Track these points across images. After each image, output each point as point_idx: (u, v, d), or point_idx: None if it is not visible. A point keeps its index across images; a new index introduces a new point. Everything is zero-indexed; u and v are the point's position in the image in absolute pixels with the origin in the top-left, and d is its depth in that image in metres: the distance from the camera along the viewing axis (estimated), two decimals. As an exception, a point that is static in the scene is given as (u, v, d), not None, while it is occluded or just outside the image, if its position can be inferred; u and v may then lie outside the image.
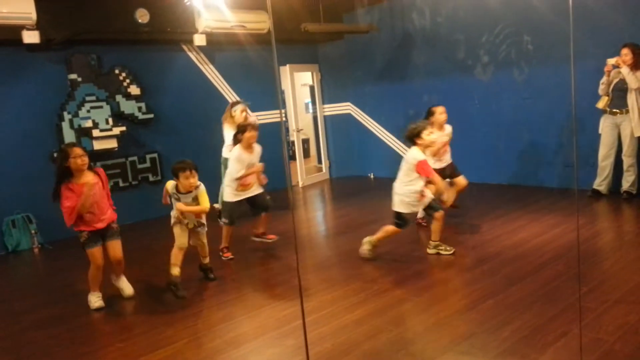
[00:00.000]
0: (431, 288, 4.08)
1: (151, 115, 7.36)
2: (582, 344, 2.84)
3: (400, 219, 4.66)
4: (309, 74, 9.92)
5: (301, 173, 9.29)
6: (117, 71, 7.04)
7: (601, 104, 6.05)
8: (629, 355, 2.77)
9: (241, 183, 5.07)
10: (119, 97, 7.04)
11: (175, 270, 4.15)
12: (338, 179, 9.63)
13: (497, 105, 7.42)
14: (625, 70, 5.73)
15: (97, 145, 6.69)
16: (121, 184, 7.12)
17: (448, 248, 4.71)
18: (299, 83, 10.33)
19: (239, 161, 5.01)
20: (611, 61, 5.85)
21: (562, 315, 3.28)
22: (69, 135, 6.63)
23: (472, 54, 7.56)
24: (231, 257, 5.19)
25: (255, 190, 5.18)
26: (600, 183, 6.21)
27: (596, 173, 6.24)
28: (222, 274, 4.72)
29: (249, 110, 6.59)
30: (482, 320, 3.38)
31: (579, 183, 6.59)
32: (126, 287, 4.32)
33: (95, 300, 4.18)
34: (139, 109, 7.24)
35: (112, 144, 6.88)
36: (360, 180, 9.17)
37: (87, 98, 6.74)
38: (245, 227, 5.58)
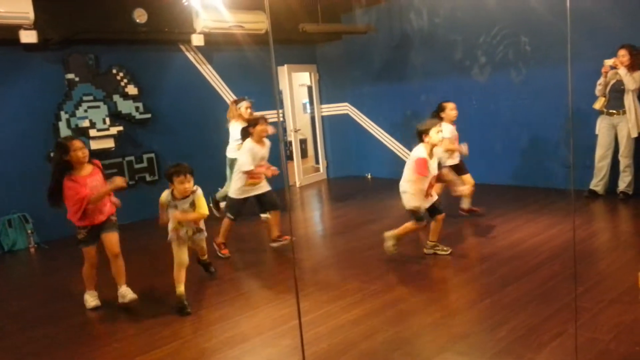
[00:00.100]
0: (428, 288, 4.08)
1: (148, 115, 7.35)
2: (578, 343, 2.84)
3: (417, 213, 4.56)
4: (306, 74, 9.92)
5: (298, 173, 9.30)
6: (114, 71, 7.03)
7: (598, 104, 6.07)
8: (624, 355, 2.78)
9: (251, 177, 5.00)
10: (116, 97, 7.03)
11: (180, 288, 3.97)
12: (335, 179, 9.64)
13: (494, 105, 7.43)
14: (622, 72, 5.74)
15: (94, 145, 6.68)
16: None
17: (445, 248, 4.72)
18: (296, 83, 10.31)
19: (251, 154, 4.96)
20: (608, 62, 5.86)
21: (557, 315, 3.29)
22: (66, 135, 6.62)
23: (469, 55, 7.57)
24: (228, 255, 5.18)
25: (263, 187, 5.14)
26: (597, 183, 6.23)
27: (593, 174, 6.26)
28: (218, 274, 4.72)
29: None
30: (478, 320, 3.39)
31: (575, 183, 6.61)
32: (127, 292, 4.06)
33: (92, 299, 4.17)
34: (137, 108, 7.23)
35: (109, 143, 6.88)
36: (357, 181, 9.18)
37: (85, 98, 6.73)
38: (244, 225, 5.56)
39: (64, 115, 6.61)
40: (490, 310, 3.51)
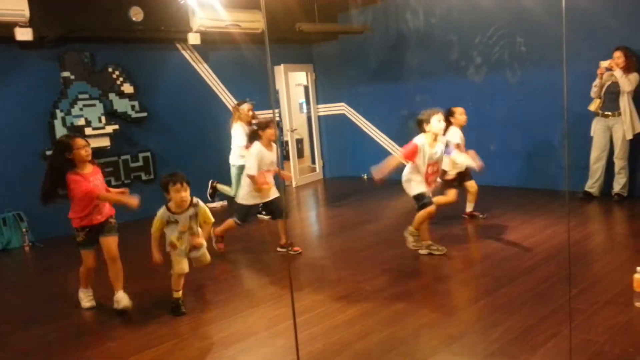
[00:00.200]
0: (423, 288, 4.09)
1: (144, 114, 7.33)
2: (572, 345, 2.85)
3: (423, 199, 4.52)
4: (303, 73, 9.92)
5: (295, 173, 9.29)
6: (110, 69, 7.01)
7: (593, 106, 6.08)
8: (618, 356, 2.79)
9: (261, 183, 4.91)
10: (112, 95, 7.01)
11: (178, 294, 3.93)
12: (331, 179, 9.64)
13: (490, 106, 7.44)
14: (618, 73, 5.76)
15: (90, 144, 6.65)
16: (113, 183, 7.08)
17: (440, 248, 4.72)
18: (293, 83, 10.32)
19: (258, 158, 4.87)
20: (604, 64, 5.88)
21: (552, 317, 3.30)
22: (61, 133, 6.57)
23: (465, 55, 7.58)
24: (222, 249, 5.19)
25: (272, 194, 5.05)
26: (592, 185, 6.24)
27: (588, 175, 6.28)
28: (213, 275, 4.71)
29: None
30: (472, 321, 3.40)
31: (570, 185, 6.62)
32: (123, 298, 3.98)
33: (86, 299, 4.15)
34: (132, 107, 7.21)
35: (105, 142, 6.86)
36: (353, 181, 9.18)
37: (80, 96, 6.71)
38: (243, 228, 5.52)
39: (59, 114, 6.59)
40: (485, 311, 3.51)
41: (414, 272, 4.44)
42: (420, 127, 4.55)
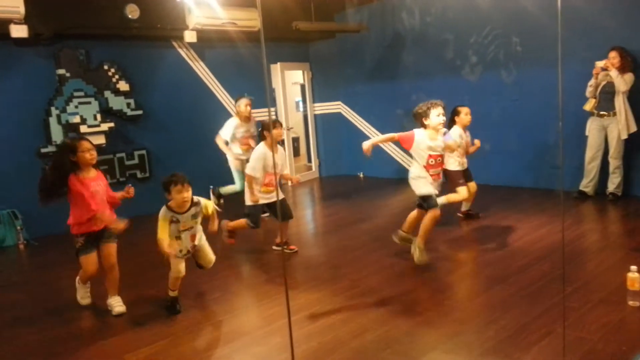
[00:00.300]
0: (417, 287, 4.10)
1: (140, 112, 7.31)
2: (566, 343, 2.87)
3: (429, 200, 4.42)
4: (299, 72, 9.90)
5: (291, 171, 9.28)
6: (106, 67, 6.99)
7: (588, 106, 6.10)
8: (611, 354, 2.81)
9: (265, 184, 4.87)
10: (107, 93, 6.99)
11: (174, 294, 3.92)
12: (328, 178, 9.64)
13: (485, 106, 7.44)
14: (613, 73, 5.78)
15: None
16: (109, 180, 7.05)
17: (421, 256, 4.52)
18: (289, 81, 10.30)
19: (262, 160, 4.76)
20: (600, 64, 5.90)
21: (546, 315, 3.32)
22: (56, 131, 6.57)
23: (460, 55, 7.59)
24: (232, 242, 5.22)
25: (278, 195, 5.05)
26: (587, 185, 6.27)
27: (582, 175, 6.30)
28: (208, 272, 4.70)
29: None
30: (467, 319, 3.41)
31: (565, 184, 6.64)
32: (116, 304, 3.95)
33: (84, 296, 4.14)
34: (128, 105, 7.19)
35: (100, 140, 6.82)
36: (349, 180, 9.18)
37: (75, 93, 6.68)
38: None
39: (54, 111, 6.56)
40: (479, 309, 3.53)
41: (408, 271, 4.45)
42: (418, 120, 4.46)
